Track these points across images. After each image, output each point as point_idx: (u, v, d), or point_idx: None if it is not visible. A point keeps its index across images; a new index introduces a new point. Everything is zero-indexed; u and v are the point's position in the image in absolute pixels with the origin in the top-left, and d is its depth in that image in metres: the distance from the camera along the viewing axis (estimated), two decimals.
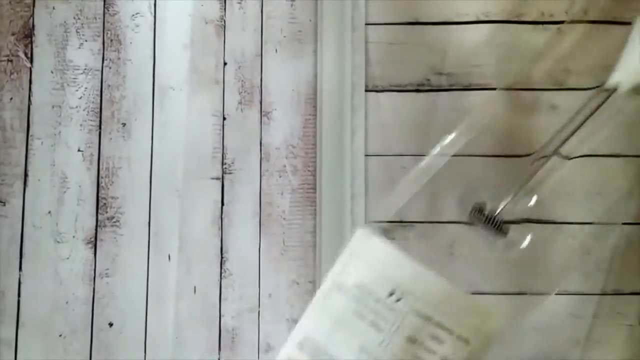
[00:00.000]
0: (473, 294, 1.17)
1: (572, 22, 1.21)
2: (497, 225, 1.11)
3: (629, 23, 1.08)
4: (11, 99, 1.27)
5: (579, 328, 1.17)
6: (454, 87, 1.22)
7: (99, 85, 1.28)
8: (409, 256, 0.93)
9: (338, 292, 0.92)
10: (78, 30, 1.28)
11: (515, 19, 1.23)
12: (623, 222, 1.19)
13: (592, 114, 1.10)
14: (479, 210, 1.13)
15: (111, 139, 1.27)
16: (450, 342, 0.87)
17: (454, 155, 1.21)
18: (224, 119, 1.26)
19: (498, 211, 1.10)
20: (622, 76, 1.06)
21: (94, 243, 1.25)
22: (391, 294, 0.90)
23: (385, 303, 0.89)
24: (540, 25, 1.22)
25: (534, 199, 1.18)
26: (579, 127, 1.11)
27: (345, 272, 0.93)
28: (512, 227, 1.14)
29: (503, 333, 0.89)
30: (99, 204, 1.25)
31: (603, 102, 1.09)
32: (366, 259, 0.93)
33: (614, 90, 1.07)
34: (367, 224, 1.19)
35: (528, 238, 1.19)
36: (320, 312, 0.92)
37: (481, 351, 0.88)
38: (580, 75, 1.20)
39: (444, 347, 0.87)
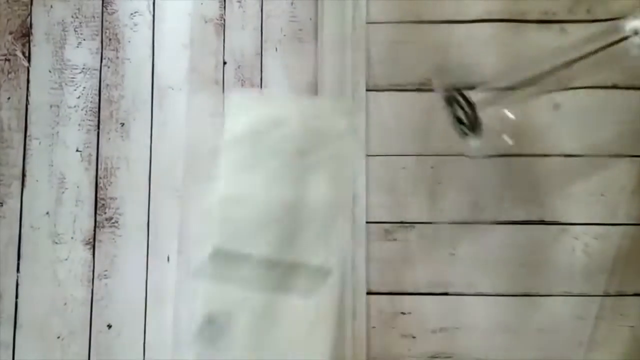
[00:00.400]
0: (473, 294, 1.18)
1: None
2: (473, 119, 0.92)
3: None
4: (9, 98, 1.26)
5: (582, 329, 1.17)
6: (455, 87, 1.21)
7: (98, 84, 1.27)
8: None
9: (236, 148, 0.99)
10: (76, 29, 1.27)
11: (518, 18, 1.22)
12: (626, 223, 1.18)
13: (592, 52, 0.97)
14: (458, 91, 0.92)
15: (110, 139, 1.26)
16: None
17: (453, 155, 1.20)
18: None
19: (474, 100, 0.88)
20: None
21: (92, 244, 1.24)
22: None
23: (272, 136, 0.97)
24: (543, 25, 1.21)
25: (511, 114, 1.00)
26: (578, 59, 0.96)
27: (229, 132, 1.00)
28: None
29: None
30: (98, 204, 1.24)
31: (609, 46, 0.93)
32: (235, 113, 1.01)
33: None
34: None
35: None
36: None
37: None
38: None
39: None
